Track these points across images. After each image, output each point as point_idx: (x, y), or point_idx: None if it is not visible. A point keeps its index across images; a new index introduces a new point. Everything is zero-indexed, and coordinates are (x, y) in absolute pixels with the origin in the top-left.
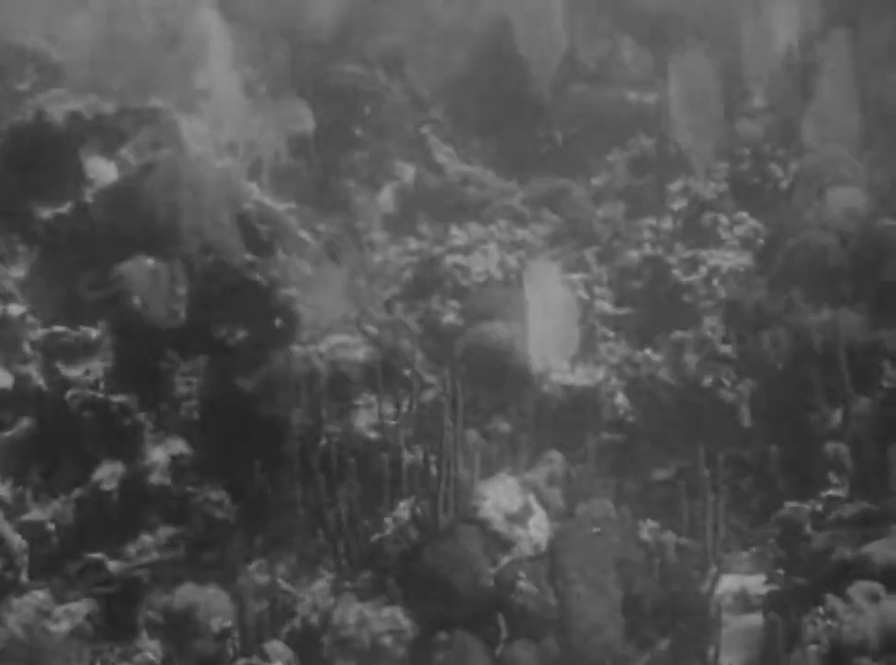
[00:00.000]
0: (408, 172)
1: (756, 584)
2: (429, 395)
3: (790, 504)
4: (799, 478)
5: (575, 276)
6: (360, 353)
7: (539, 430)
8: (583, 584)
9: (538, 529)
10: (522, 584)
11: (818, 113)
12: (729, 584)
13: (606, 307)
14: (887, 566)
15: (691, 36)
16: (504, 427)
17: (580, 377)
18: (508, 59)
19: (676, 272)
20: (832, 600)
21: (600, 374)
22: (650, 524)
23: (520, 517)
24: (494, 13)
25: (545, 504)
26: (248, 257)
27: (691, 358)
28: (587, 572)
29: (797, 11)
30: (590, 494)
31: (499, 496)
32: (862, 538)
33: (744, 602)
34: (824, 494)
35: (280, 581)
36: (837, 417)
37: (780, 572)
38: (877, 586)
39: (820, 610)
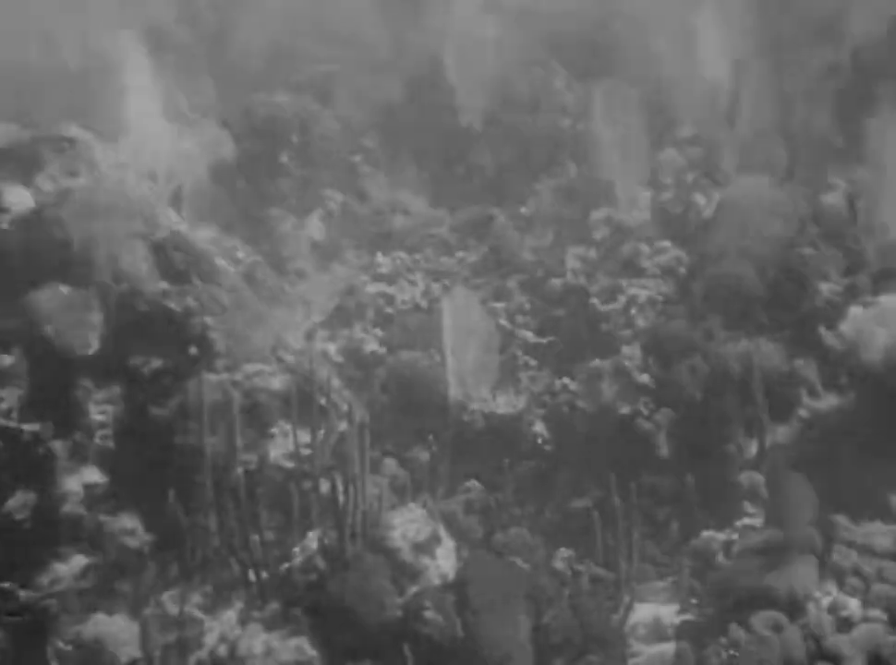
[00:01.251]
0: (337, 199)
1: (670, 613)
2: (344, 425)
3: (704, 534)
4: (715, 508)
5: (498, 305)
6: (276, 381)
7: (459, 459)
8: (490, 613)
9: (446, 559)
10: (428, 613)
11: (742, 142)
12: (644, 613)
13: (528, 335)
14: (790, 595)
15: (622, 66)
16: (424, 455)
17: (501, 405)
18: (439, 88)
19: (595, 301)
20: (735, 630)
21: (521, 403)
22: (565, 553)
23: (427, 547)
24: (426, 43)
25: (462, 533)
26: (163, 285)
27: (608, 387)
28: (495, 601)
29: (726, 41)
30: (508, 523)
31: (406, 526)
32: (767, 567)
33: (657, 632)
34: (739, 523)
35: (191, 610)
36: (753, 446)
37: (693, 601)
38: (779, 616)
39: (723, 639)
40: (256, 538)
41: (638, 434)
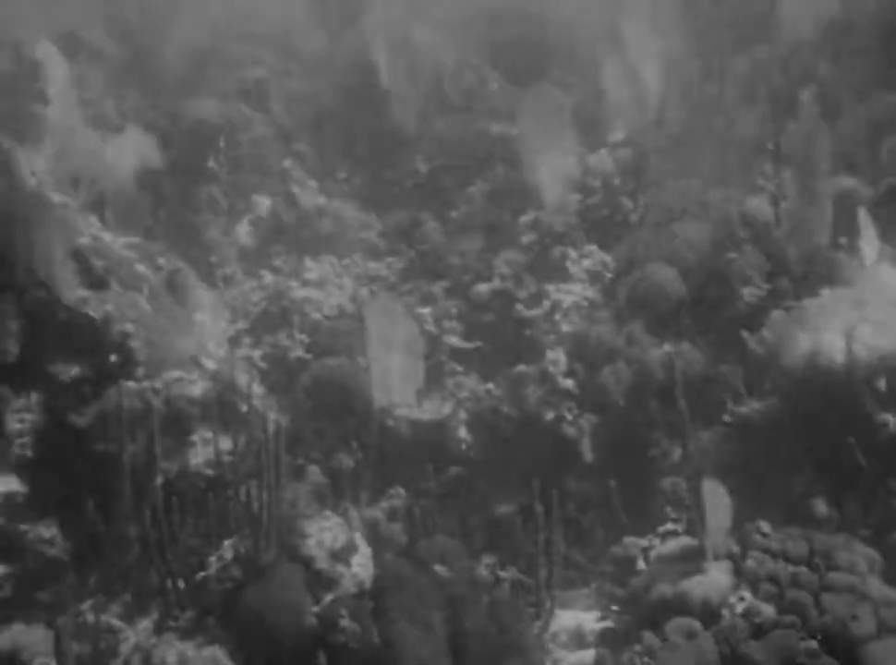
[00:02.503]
0: (266, 205)
1: (592, 620)
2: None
3: (626, 540)
4: (639, 514)
5: (425, 310)
6: (197, 389)
7: (384, 466)
8: (407, 621)
9: (363, 567)
10: (344, 622)
11: (671, 145)
12: (566, 620)
13: (455, 340)
14: (704, 602)
15: (555, 70)
16: (348, 462)
17: (427, 411)
18: (372, 91)
19: (519, 305)
20: (650, 638)
21: (447, 409)
22: (488, 559)
23: (344, 555)
24: (358, 45)
25: (385, 540)
26: (82, 292)
27: (533, 392)
28: (412, 609)
29: (656, 44)
30: (432, 530)
31: (322, 533)
32: (683, 573)
33: (579, 638)
34: (661, 529)
35: (109, 619)
36: (677, 451)
37: (614, 608)
38: (694, 623)
39: (638, 647)
40: (175, 546)
41: (563, 440)
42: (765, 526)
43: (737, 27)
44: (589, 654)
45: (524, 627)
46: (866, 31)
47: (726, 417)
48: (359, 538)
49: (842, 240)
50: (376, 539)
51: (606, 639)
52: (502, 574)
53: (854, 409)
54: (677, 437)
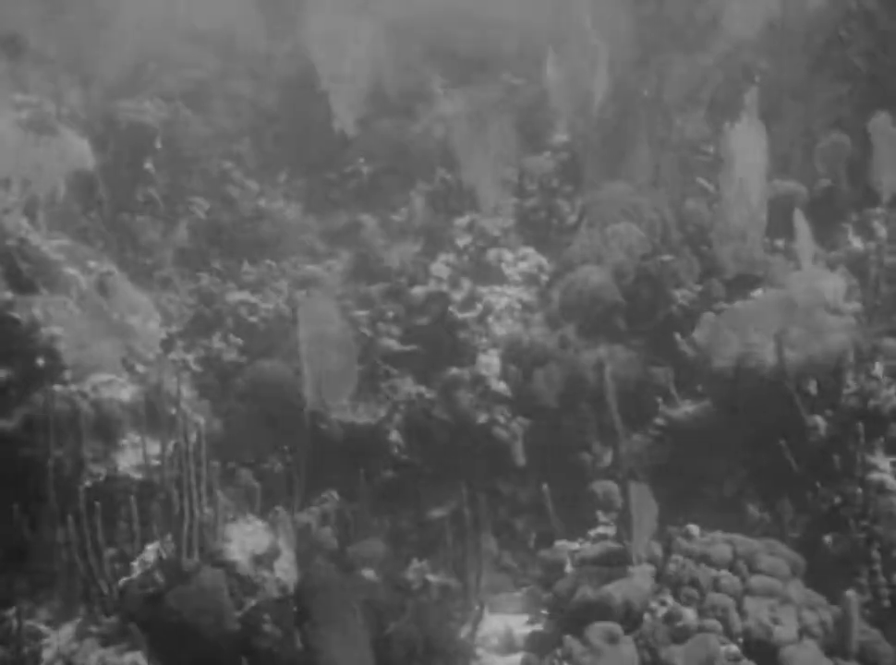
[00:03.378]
0: (204, 207)
1: (522, 624)
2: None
3: (557, 543)
4: (571, 517)
5: (361, 313)
6: (126, 392)
7: (317, 469)
8: (330, 626)
9: (286, 572)
10: (267, 627)
11: (611, 148)
12: (497, 624)
13: (390, 344)
14: (625, 606)
15: (502, 71)
16: (280, 466)
17: (361, 415)
18: (312, 93)
19: (452, 309)
20: (570, 642)
21: (382, 412)
22: (416, 564)
23: (267, 559)
24: (299, 47)
25: (316, 544)
26: (8, 295)
27: (465, 396)
28: (335, 614)
29: (600, 48)
30: (363, 534)
31: (245, 538)
32: (606, 577)
33: (509, 643)
34: (592, 533)
35: (34, 625)
36: (609, 455)
37: (543, 612)
38: (615, 627)
39: (558, 651)
40: (102, 550)
41: (495, 443)
42: (694, 530)
43: (682, 29)
44: (518, 658)
45: (449, 632)
46: (804, 34)
47: (658, 420)
48: (283, 543)
49: (779, 242)
50: (307, 543)
51: (535, 643)
52: (430, 578)
53: (785, 412)
54: (609, 440)
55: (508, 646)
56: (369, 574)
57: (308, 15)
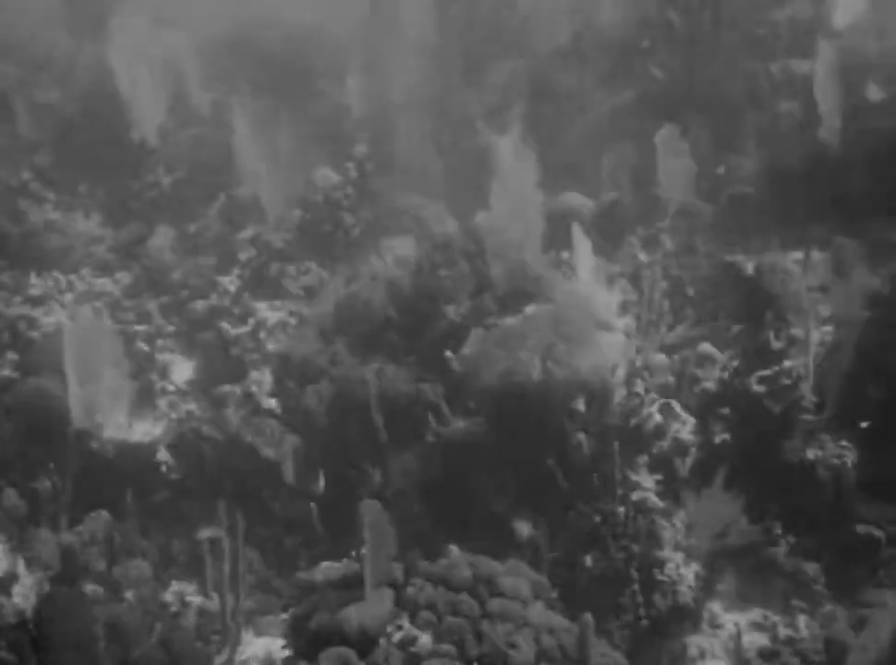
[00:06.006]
0: None
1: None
2: None
3: (323, 564)
4: (341, 536)
5: (140, 328)
6: None
7: (87, 488)
8: (70, 651)
9: (23, 596)
10: (2, 653)
11: (401, 160)
12: (259, 647)
13: (169, 359)
14: (361, 631)
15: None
16: (47, 485)
17: (136, 433)
18: (113, 102)
19: (225, 324)
20: None
21: (158, 430)
22: (175, 585)
23: (4, 583)
24: (99, 55)
25: (82, 566)
26: None
27: (236, 413)
28: (75, 639)
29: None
30: (131, 554)
31: None
32: (344, 601)
33: None
34: (354, 553)
35: None
36: (378, 473)
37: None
38: (349, 653)
39: None
40: None
41: (266, 461)
42: (455, 550)
43: (492, 40)
44: None
45: (200, 655)
46: (604, 42)
47: (429, 437)
48: (22, 567)
49: (566, 255)
50: (71, 564)
51: None
52: (189, 600)
53: (552, 429)
54: (379, 458)
55: None
56: (130, 595)
57: (111, 23)
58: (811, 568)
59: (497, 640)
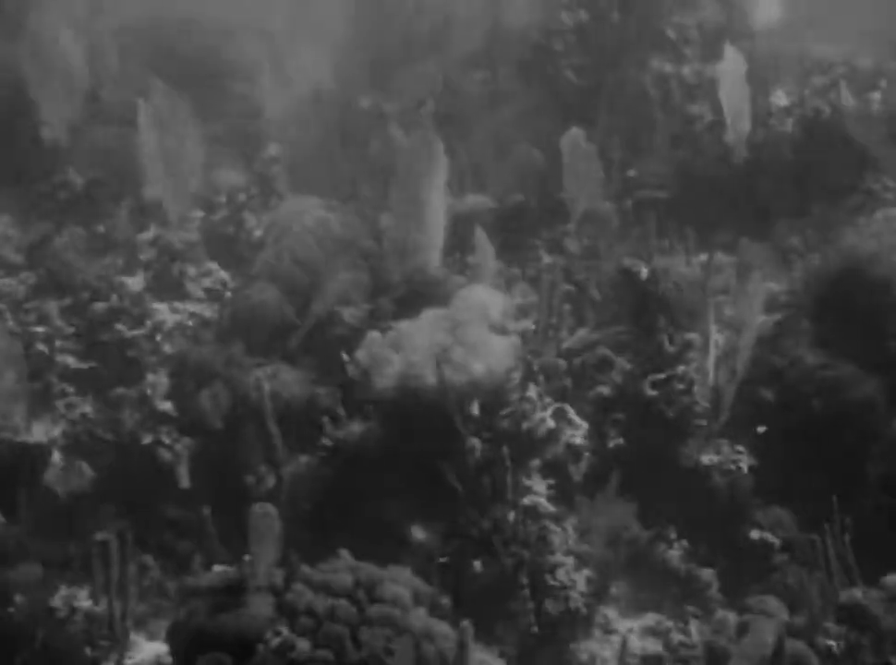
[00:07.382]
0: None
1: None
2: None
3: (216, 568)
4: (231, 542)
5: (38, 329)
6: None
7: None
8: None
9: None
10: None
11: (306, 160)
12: (150, 651)
13: (68, 361)
14: (238, 637)
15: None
16: None
17: (34, 435)
18: (19, 101)
19: (121, 326)
20: None
21: (56, 432)
22: (64, 590)
23: None
24: (6, 52)
25: None
26: None
27: (130, 416)
28: None
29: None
30: (24, 558)
31: None
32: (222, 606)
33: None
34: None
35: None
36: (272, 477)
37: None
38: (225, 658)
39: None
40: None
41: (160, 464)
42: (347, 556)
43: (411, 40)
44: None
45: (85, 660)
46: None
47: (325, 441)
48: None
49: (470, 258)
50: None
51: None
52: (78, 605)
53: (448, 433)
54: (273, 461)
55: None
56: (20, 600)
57: (21, 18)
58: (705, 573)
59: (375, 646)
